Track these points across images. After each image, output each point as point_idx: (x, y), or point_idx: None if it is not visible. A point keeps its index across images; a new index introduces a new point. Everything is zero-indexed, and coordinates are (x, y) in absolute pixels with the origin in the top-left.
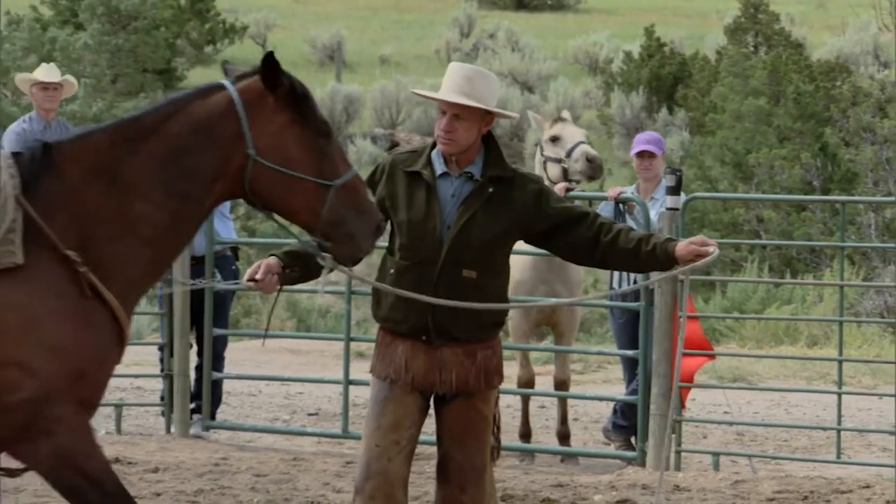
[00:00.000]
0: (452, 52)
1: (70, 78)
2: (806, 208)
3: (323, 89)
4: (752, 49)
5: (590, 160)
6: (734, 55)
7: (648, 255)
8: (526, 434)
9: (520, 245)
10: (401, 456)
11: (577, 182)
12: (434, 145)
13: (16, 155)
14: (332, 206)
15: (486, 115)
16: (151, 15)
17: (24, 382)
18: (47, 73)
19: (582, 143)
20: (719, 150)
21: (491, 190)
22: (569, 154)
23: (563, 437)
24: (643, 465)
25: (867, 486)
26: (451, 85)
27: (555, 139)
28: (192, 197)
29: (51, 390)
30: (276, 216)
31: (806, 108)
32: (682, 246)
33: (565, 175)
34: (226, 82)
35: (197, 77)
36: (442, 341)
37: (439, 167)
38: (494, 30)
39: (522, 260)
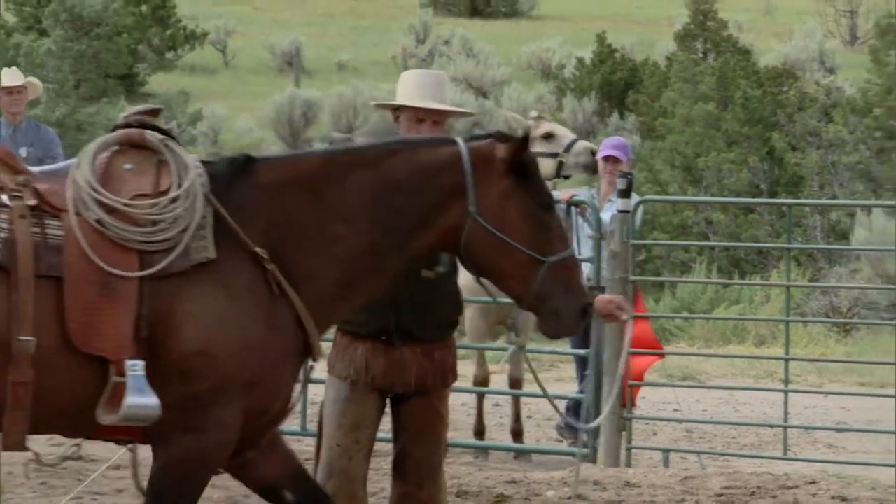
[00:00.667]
0: (409, 59)
1: (33, 80)
2: (753, 211)
3: (282, 95)
4: (701, 55)
5: (593, 153)
6: (684, 61)
7: None
8: (480, 431)
9: None
10: (361, 455)
11: (568, 177)
12: None
13: (206, 163)
14: (543, 282)
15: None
16: (114, 21)
17: (207, 372)
18: (10, 77)
19: (578, 138)
20: (669, 154)
21: None
22: (567, 149)
23: (517, 434)
24: (595, 461)
25: (813, 482)
26: (425, 92)
27: (548, 136)
28: (395, 234)
29: (229, 388)
30: (483, 279)
31: (754, 113)
32: (603, 299)
33: (559, 169)
34: (458, 139)
35: (158, 82)
36: (402, 342)
37: None
38: (449, 36)
39: None
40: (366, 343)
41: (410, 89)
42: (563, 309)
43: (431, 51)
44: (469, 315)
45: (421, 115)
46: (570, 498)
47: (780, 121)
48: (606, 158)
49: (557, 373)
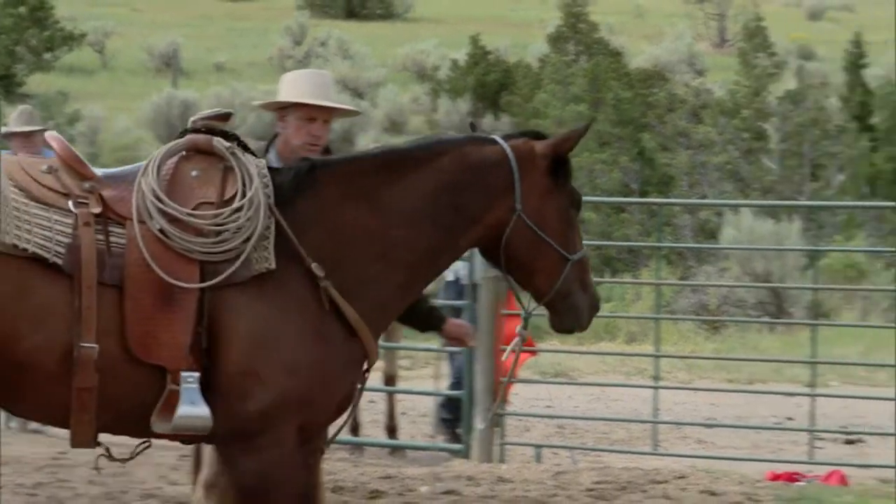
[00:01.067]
0: (285, 60)
1: None
2: (625, 210)
3: (160, 95)
4: (573, 57)
5: None
6: (556, 63)
7: (426, 315)
8: (355, 428)
9: None
10: None
11: None
12: (268, 150)
13: (272, 170)
14: (567, 279)
15: None
16: None
17: (257, 392)
18: None
19: None
20: None
21: None
22: None
23: (392, 430)
24: (468, 457)
25: (682, 477)
26: (317, 91)
27: None
28: (454, 232)
29: (280, 408)
30: (510, 277)
31: (624, 114)
32: (454, 323)
33: None
34: (496, 137)
35: (36, 83)
36: None
37: None
38: (326, 38)
39: None
40: None
41: (301, 88)
42: (582, 305)
43: (308, 52)
44: None
45: (314, 114)
46: (443, 493)
47: (651, 122)
48: None
49: (433, 369)
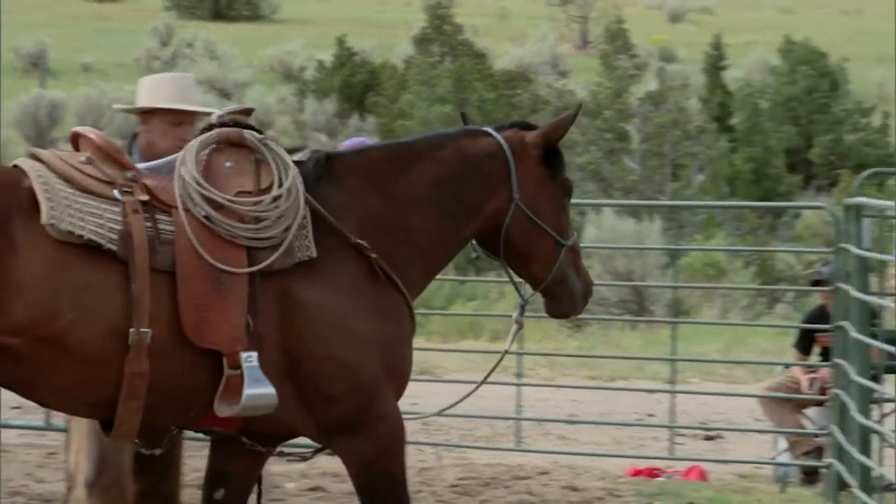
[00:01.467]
0: (153, 61)
1: None
2: None
3: (27, 95)
4: (438, 58)
5: None
6: (421, 64)
7: None
8: None
9: None
10: (129, 448)
11: None
12: (130, 150)
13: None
14: (562, 265)
15: None
16: None
17: (342, 375)
18: None
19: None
20: None
21: None
22: None
23: None
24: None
25: (545, 472)
26: (181, 95)
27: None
28: (459, 219)
29: (373, 385)
30: (507, 266)
31: (489, 115)
32: None
33: None
34: (489, 129)
35: None
36: None
37: None
38: (193, 39)
39: None
40: None
41: (166, 92)
42: (576, 289)
43: (175, 53)
44: None
45: (181, 118)
46: (309, 490)
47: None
48: None
49: None
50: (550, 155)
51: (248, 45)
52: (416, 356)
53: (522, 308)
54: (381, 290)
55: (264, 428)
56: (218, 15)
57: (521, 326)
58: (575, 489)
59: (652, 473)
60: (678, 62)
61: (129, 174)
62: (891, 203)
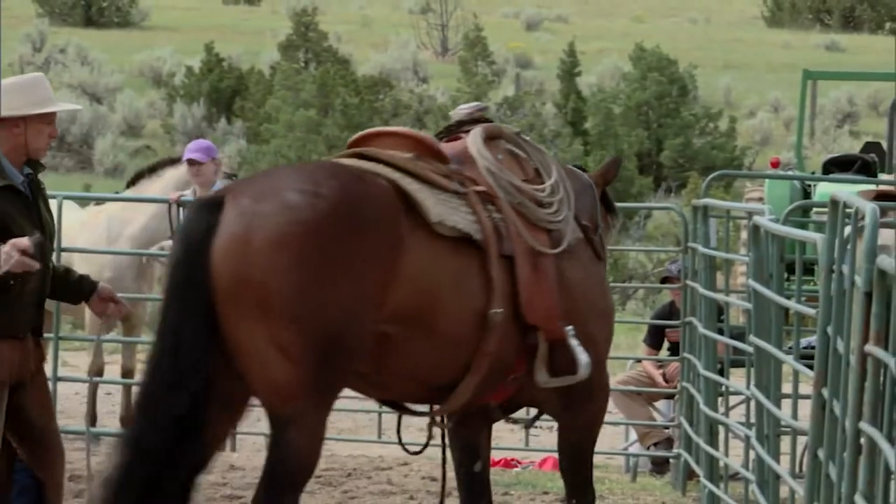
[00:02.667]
0: (25, 66)
1: None
2: None
3: None
4: (303, 64)
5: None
6: (286, 70)
7: (75, 284)
8: (93, 419)
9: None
10: None
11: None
12: None
13: None
14: None
15: None
16: None
17: (589, 347)
18: None
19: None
20: (273, 158)
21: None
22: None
23: (126, 421)
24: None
25: (405, 464)
26: (51, 96)
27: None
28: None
29: (602, 355)
30: None
31: (352, 119)
32: (96, 301)
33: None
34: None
35: None
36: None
37: (18, 175)
38: (65, 45)
39: (110, 258)
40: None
41: (40, 96)
42: None
43: (48, 58)
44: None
45: (52, 118)
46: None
47: (377, 126)
48: (189, 162)
49: None
50: (604, 192)
51: (118, 52)
52: None
53: None
54: (603, 268)
55: (519, 401)
56: (90, 22)
57: None
58: (434, 479)
59: (508, 464)
60: (534, 69)
61: (452, 167)
62: (736, 204)
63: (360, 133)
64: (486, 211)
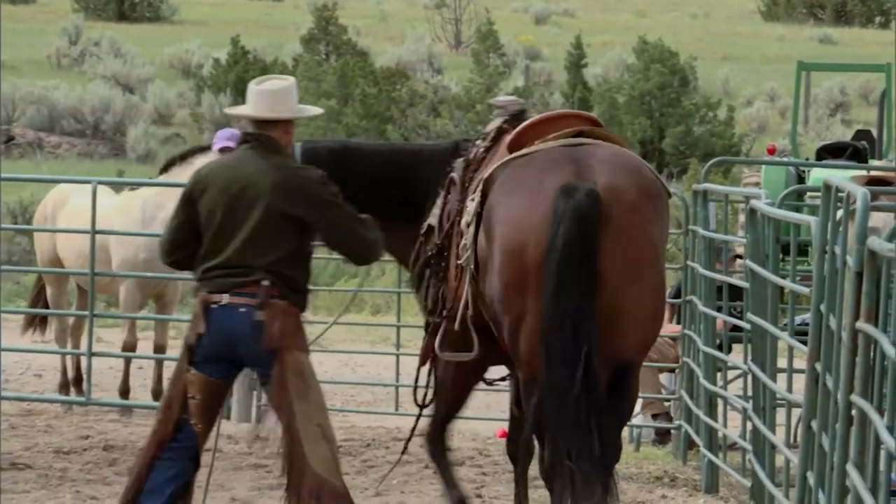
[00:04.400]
0: (62, 58)
1: None
2: None
3: None
4: (324, 57)
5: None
6: (308, 62)
7: None
8: (125, 391)
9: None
10: None
11: None
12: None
13: None
14: None
15: None
16: None
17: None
18: None
19: None
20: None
21: None
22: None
23: (158, 394)
24: (228, 417)
25: (422, 435)
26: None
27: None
28: None
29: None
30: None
31: (371, 109)
32: None
33: None
34: None
35: None
36: None
37: None
38: (99, 38)
39: (145, 241)
40: None
41: (291, 101)
42: None
43: (83, 51)
44: (125, 287)
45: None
46: (205, 450)
47: (394, 116)
48: (222, 150)
49: None
50: None
51: (150, 45)
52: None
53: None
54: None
55: None
56: (122, 16)
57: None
58: (449, 449)
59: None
60: (543, 60)
61: None
62: (734, 188)
63: (542, 115)
64: None
